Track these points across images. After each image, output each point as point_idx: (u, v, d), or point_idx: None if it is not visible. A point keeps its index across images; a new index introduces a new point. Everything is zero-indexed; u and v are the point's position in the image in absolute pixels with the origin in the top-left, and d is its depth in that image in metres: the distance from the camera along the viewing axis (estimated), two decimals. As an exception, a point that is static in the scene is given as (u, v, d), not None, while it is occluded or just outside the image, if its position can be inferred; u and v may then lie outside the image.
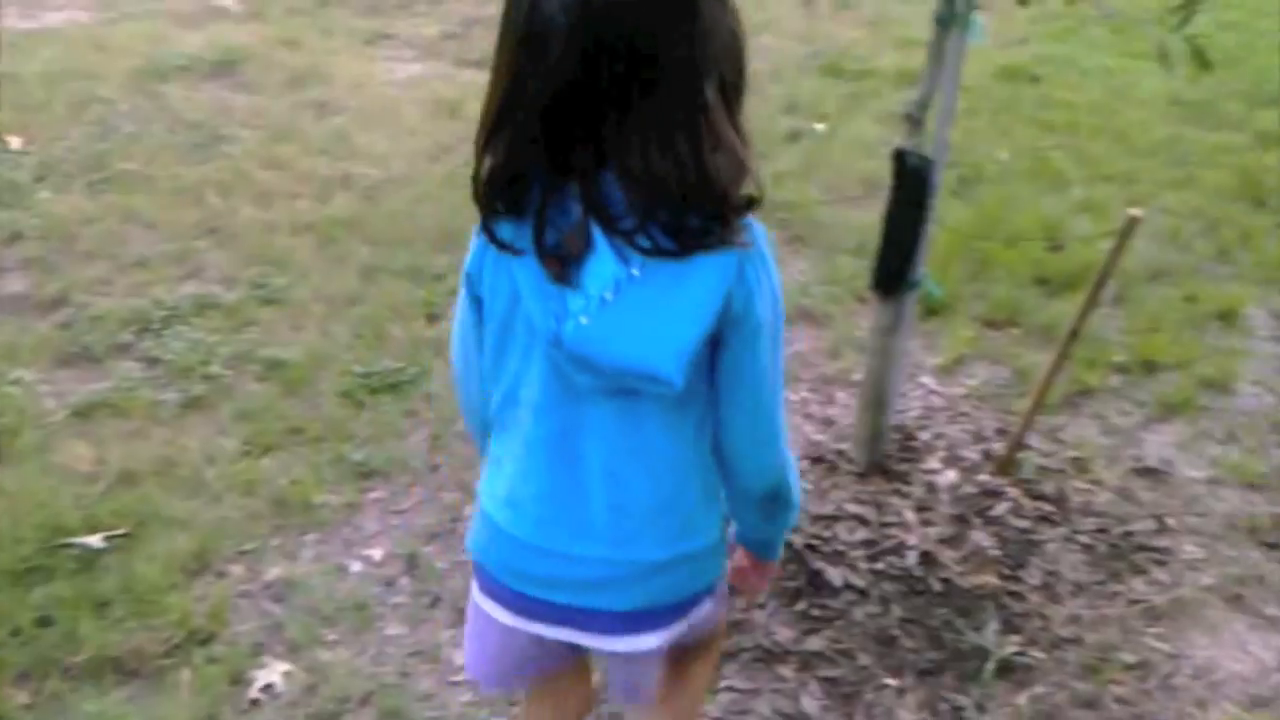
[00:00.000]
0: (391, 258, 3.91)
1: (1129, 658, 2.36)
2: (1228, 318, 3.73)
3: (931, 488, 2.66)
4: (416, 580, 2.56)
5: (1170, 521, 2.77)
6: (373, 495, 2.83)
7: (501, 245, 1.24)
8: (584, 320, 1.21)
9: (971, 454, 2.82)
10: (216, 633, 2.39)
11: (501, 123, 1.19)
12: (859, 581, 2.43)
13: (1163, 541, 2.70)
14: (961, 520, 2.57)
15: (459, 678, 2.30)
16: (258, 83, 5.60)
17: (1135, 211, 2.53)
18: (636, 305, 1.20)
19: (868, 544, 2.51)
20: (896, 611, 2.38)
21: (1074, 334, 2.62)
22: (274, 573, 2.56)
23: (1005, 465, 2.76)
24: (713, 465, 1.39)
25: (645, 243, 1.18)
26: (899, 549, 2.49)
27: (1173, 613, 2.49)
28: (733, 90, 1.22)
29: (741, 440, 1.36)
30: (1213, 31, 6.00)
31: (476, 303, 1.36)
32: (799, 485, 1.46)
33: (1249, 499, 2.88)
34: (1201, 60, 1.98)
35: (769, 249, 1.27)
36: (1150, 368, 3.43)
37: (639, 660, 1.50)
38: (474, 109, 4.68)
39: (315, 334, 3.45)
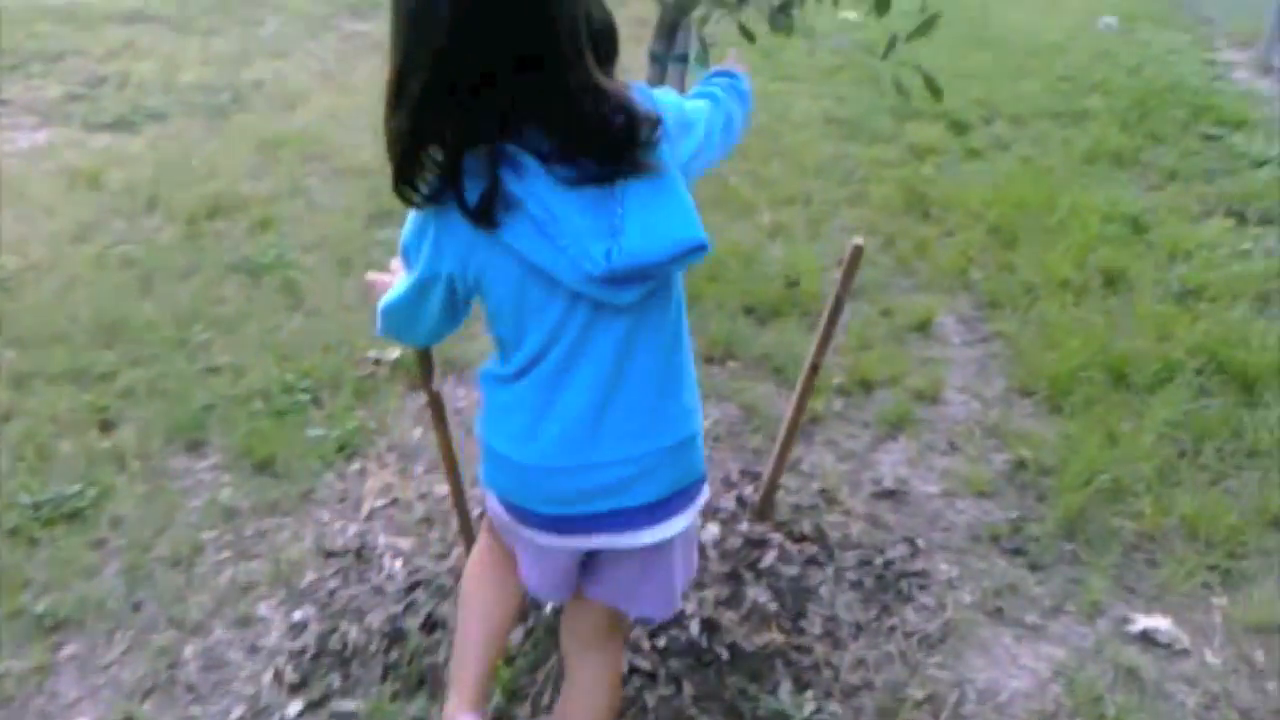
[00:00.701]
0: (45, 360, 3.39)
1: (918, 693, 2.34)
2: (923, 328, 3.89)
3: (698, 546, 2.55)
4: (137, 749, 2.18)
5: (920, 542, 2.80)
6: (66, 652, 2.39)
7: (429, 199, 1.40)
8: (620, 243, 1.38)
9: (727, 503, 2.74)
10: None
11: (400, 99, 1.34)
12: (645, 664, 2.27)
13: (919, 564, 2.72)
14: (734, 578, 2.48)
15: None
16: None
17: (858, 240, 2.53)
18: (643, 207, 1.39)
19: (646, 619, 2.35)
20: (689, 689, 2.25)
21: (815, 368, 2.58)
22: (-48, 774, 2.10)
23: (763, 510, 2.70)
24: (690, 350, 1.64)
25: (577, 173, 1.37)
26: (680, 620, 2.35)
27: (946, 637, 2.50)
28: (606, 50, 1.41)
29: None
30: (855, 52, 6.38)
31: (453, 293, 1.53)
32: (744, 89, 1.87)
33: (983, 508, 2.97)
34: (933, 88, 1.98)
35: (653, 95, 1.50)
36: (867, 386, 3.50)
37: (659, 553, 1.69)
38: (116, 177, 4.16)
39: (-38, 463, 2.92)
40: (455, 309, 1.58)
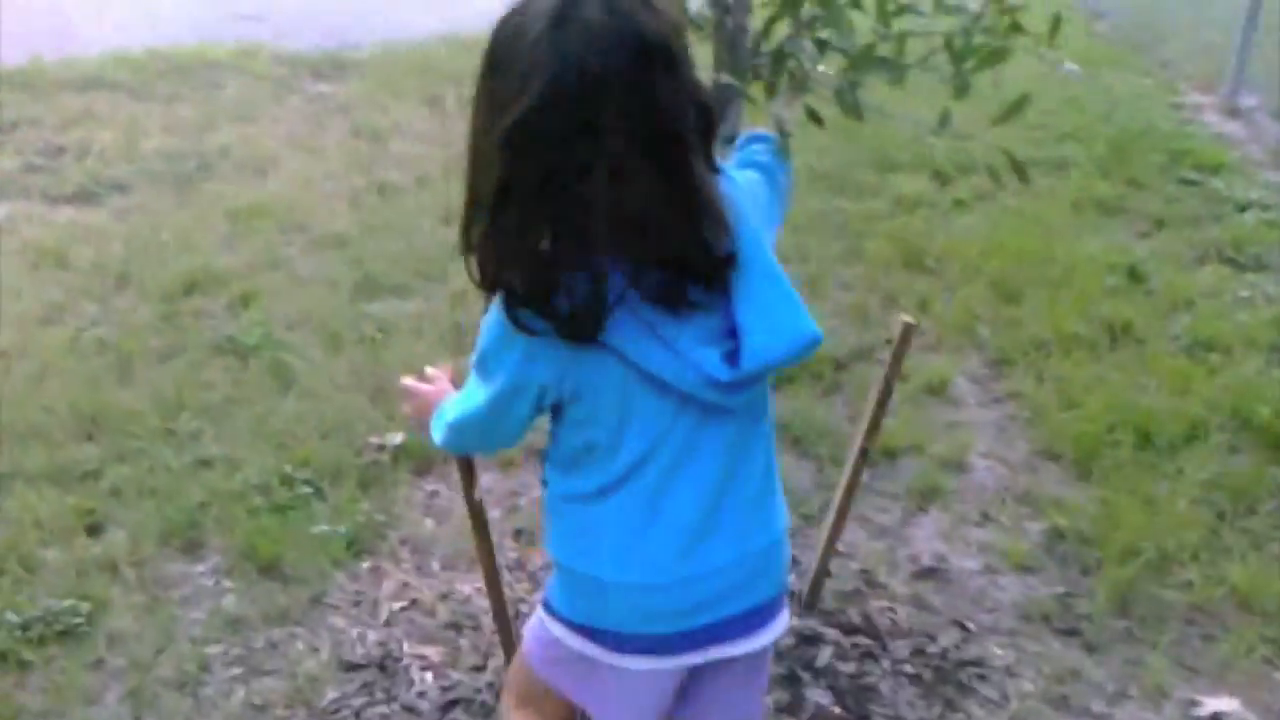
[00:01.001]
0: (22, 458, 3.17)
1: (995, 798, 2.20)
2: (939, 390, 3.78)
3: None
4: None
5: (970, 625, 2.67)
6: (68, 791, 2.19)
7: (521, 327, 1.30)
8: (746, 345, 1.32)
9: (770, 594, 2.59)
10: None
11: (498, 208, 1.29)
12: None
13: (973, 650, 2.59)
14: (793, 680, 2.33)
15: None
16: None
17: (907, 318, 2.41)
18: (758, 305, 1.34)
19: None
20: (758, 809, 2.09)
21: (864, 452, 2.46)
22: None
23: (811, 601, 2.56)
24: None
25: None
26: (740, 731, 2.20)
27: (1015, 733, 2.37)
28: (706, 130, 1.32)
29: None
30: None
31: (541, 400, 1.42)
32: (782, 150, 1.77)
33: (1027, 584, 2.85)
34: (1019, 170, 1.89)
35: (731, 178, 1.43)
36: (891, 455, 3.38)
37: (762, 658, 1.64)
38: (83, 254, 3.94)
39: (-59, 579, 2.70)
40: (537, 415, 1.47)
